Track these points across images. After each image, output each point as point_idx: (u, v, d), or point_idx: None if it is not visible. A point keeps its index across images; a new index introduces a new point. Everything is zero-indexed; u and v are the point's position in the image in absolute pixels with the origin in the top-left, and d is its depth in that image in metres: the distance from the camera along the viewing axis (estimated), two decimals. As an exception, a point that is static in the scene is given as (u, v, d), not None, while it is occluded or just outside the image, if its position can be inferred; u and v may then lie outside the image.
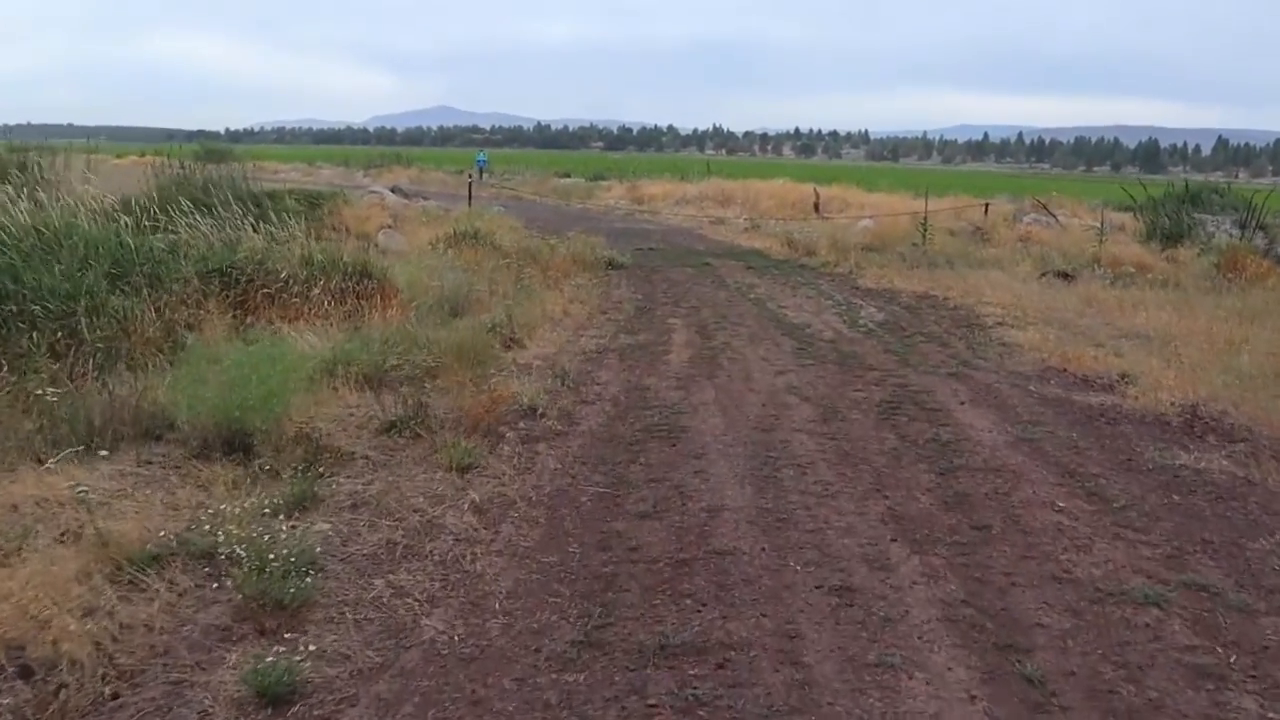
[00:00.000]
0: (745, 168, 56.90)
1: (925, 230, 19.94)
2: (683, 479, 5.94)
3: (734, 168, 54.66)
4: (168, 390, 6.13)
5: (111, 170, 25.18)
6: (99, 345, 7.22)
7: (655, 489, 5.76)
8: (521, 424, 7.07)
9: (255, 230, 12.88)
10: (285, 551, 4.32)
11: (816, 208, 29.56)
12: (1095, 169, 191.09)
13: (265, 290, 9.65)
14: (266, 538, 4.48)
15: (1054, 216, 25.83)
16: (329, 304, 9.98)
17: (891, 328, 12.50)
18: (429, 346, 8.66)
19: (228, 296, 9.35)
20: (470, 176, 25.71)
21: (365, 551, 4.67)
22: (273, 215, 23.35)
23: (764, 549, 4.83)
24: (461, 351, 8.50)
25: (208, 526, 4.64)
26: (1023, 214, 27.10)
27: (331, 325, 9.63)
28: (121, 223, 9.87)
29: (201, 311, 8.87)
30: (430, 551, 4.70)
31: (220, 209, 23.31)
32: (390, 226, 22.59)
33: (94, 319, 7.44)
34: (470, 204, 25.54)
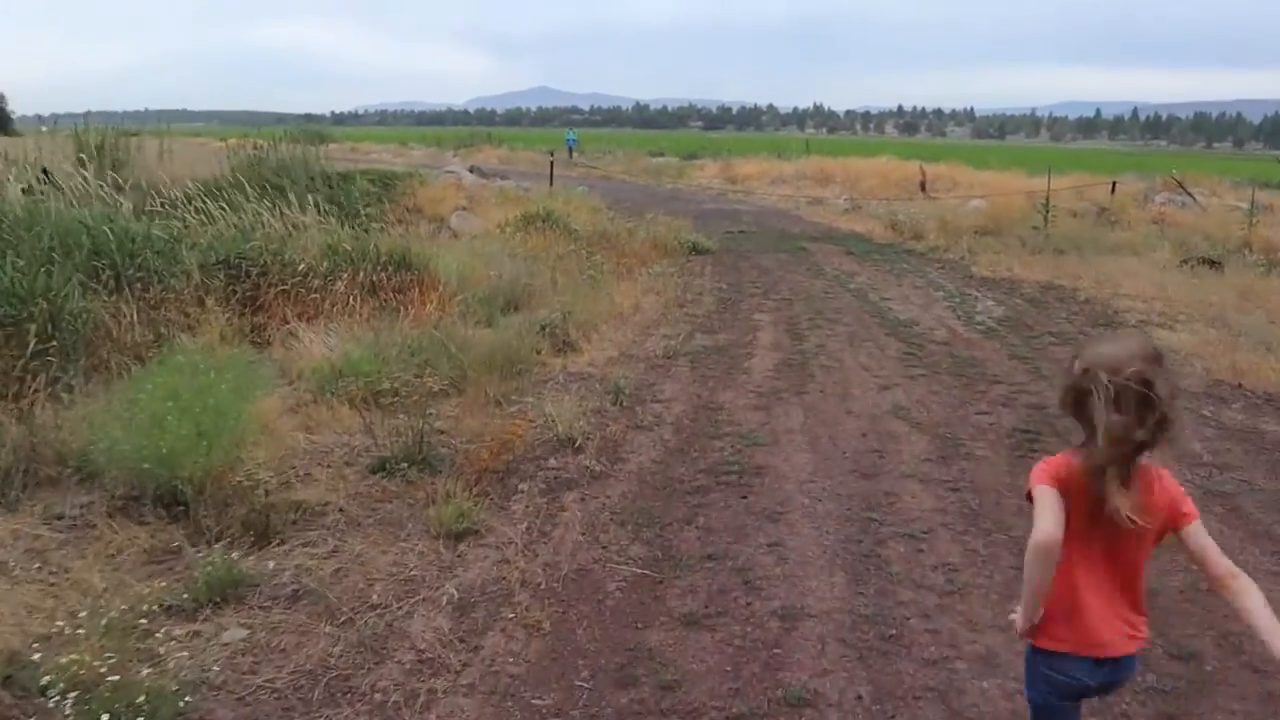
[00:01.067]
0: (846, 146, 54.49)
1: (1047, 212, 17.83)
2: (751, 556, 4.37)
3: (834, 146, 52.33)
4: (86, 422, 4.80)
5: (195, 152, 24.64)
6: (52, 357, 5.97)
7: (712, 573, 4.20)
8: (551, 461, 5.58)
9: (307, 212, 11.75)
10: (147, 694, 2.91)
11: (923, 187, 27.43)
12: (1216, 145, 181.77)
13: (282, 286, 8.35)
14: (138, 660, 3.09)
15: (1191, 196, 23.27)
16: (357, 300, 8.65)
17: (1015, 326, 10.67)
18: (459, 352, 7.25)
19: (235, 292, 8.08)
20: (553, 156, 24.37)
21: (278, 684, 3.22)
22: (341, 198, 22.33)
23: (860, 698, 3.24)
24: (492, 360, 7.06)
25: (67, 633, 3.28)
26: (1154, 193, 24.56)
27: (357, 325, 8.31)
28: (124, 208, 8.68)
29: (201, 310, 7.62)
30: (370, 688, 3.24)
31: (289, 191, 22.45)
32: (465, 208, 21.45)
33: (54, 324, 6.21)
34: (552, 184, 24.20)
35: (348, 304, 8.56)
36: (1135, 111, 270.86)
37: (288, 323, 8.08)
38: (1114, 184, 21.98)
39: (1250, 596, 2.08)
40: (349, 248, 9.21)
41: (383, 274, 9.18)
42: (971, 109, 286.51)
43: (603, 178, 35.26)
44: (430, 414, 5.82)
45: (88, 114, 24.41)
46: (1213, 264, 14.86)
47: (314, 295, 8.42)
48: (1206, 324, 10.62)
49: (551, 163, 24.14)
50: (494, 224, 16.88)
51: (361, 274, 8.84)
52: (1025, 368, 8.58)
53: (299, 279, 8.43)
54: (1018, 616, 2.30)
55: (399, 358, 7.03)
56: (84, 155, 26.54)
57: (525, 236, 14.65)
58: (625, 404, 6.82)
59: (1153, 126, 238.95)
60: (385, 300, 9.04)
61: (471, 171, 24.10)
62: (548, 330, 8.73)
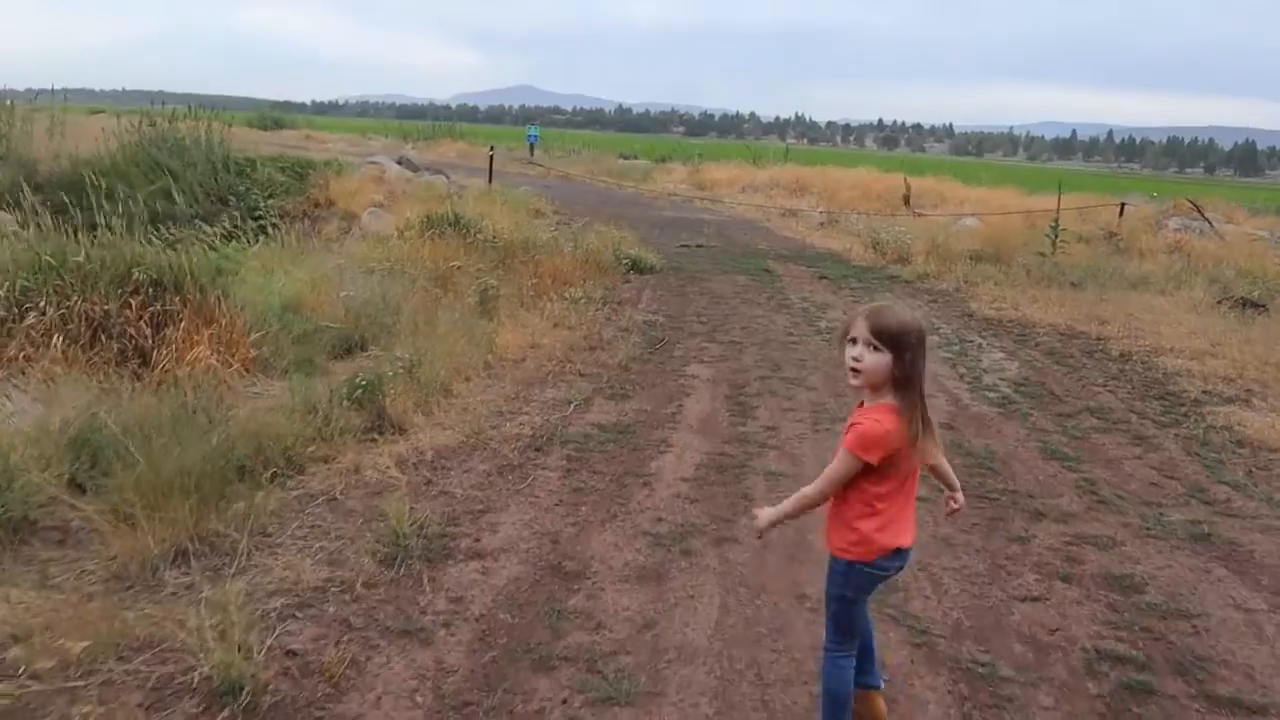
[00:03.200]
0: (825, 156, 51.73)
1: (1056, 236, 15.08)
2: None
3: (813, 155, 49.55)
4: None
5: (92, 129, 21.53)
6: None
7: None
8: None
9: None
10: None
11: (907, 201, 24.69)
12: (1188, 170, 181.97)
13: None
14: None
15: (1209, 222, 20.63)
16: (65, 343, 5.68)
17: (1038, 396, 7.87)
18: (140, 454, 4.28)
19: None
20: (492, 150, 21.48)
21: None
22: (240, 188, 19.25)
23: None
24: (205, 467, 4.10)
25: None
26: (1165, 218, 21.90)
27: (60, 383, 5.35)
28: None
29: None
30: None
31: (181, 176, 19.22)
32: (381, 205, 18.52)
33: None
34: (491, 181, 21.24)
35: (51, 347, 5.60)
36: (1110, 134, 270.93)
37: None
38: (1122, 206, 19.30)
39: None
40: (81, 260, 6.21)
41: (130, 303, 6.21)
42: (950, 125, 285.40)
43: (561, 178, 32.35)
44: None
45: (64, 91, 21.34)
46: (1254, 305, 12.19)
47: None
48: (1291, 399, 7.90)
49: (491, 158, 21.17)
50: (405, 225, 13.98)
51: (77, 303, 5.85)
52: (1073, 479, 5.74)
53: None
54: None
55: (34, 458, 4.08)
56: (-43, 125, 22.85)
57: (422, 244, 11.73)
58: (407, 568, 3.89)
59: (1127, 149, 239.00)
60: (132, 343, 6.10)
61: (400, 164, 21.09)
62: (364, 393, 5.79)
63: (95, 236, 6.97)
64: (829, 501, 2.81)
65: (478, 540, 4.22)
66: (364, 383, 5.86)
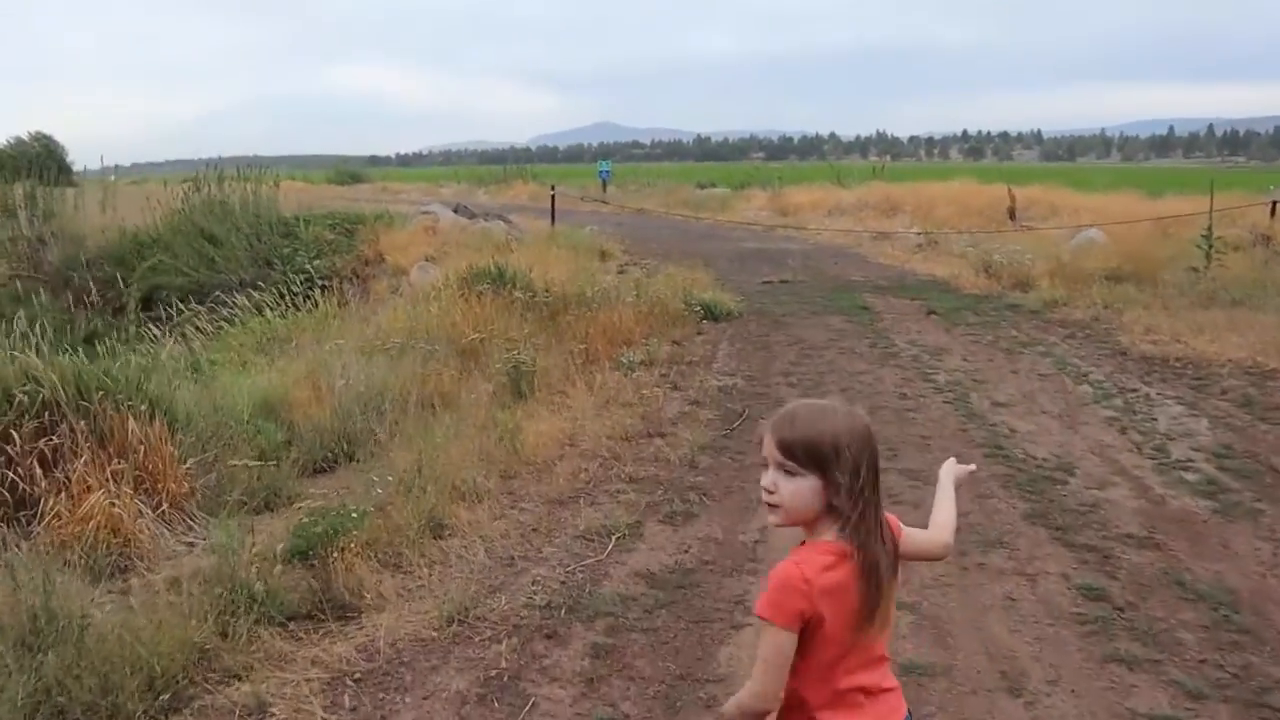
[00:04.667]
0: (914, 172, 49.11)
1: (1210, 247, 12.73)
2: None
3: (901, 172, 47.00)
4: None
5: (142, 199, 20.77)
6: None
7: None
8: None
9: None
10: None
11: (1012, 215, 22.34)
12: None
13: None
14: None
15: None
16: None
17: (1255, 474, 5.77)
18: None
19: None
20: (554, 190, 19.91)
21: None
22: (285, 250, 17.99)
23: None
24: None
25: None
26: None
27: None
28: None
29: None
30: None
31: (226, 241, 17.98)
32: (431, 259, 17.03)
33: None
34: (554, 223, 19.64)
35: None
36: (1210, 127, 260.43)
37: None
38: (1275, 205, 16.72)
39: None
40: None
41: (14, 433, 4.59)
42: (1039, 131, 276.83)
43: (637, 212, 30.75)
44: None
45: (164, 163, 20.84)
46: None
47: None
48: None
49: (553, 198, 19.58)
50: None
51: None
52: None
53: None
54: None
55: None
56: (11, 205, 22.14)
57: (458, 304, 10.08)
58: None
59: (1230, 142, 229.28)
60: (16, 488, 4.48)
61: (456, 212, 19.64)
62: (308, 551, 4.04)
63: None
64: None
65: None
66: (310, 534, 4.11)
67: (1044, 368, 8.82)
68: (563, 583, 4.20)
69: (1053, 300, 12.16)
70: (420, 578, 4.16)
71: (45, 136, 42.02)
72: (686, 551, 4.59)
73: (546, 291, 10.90)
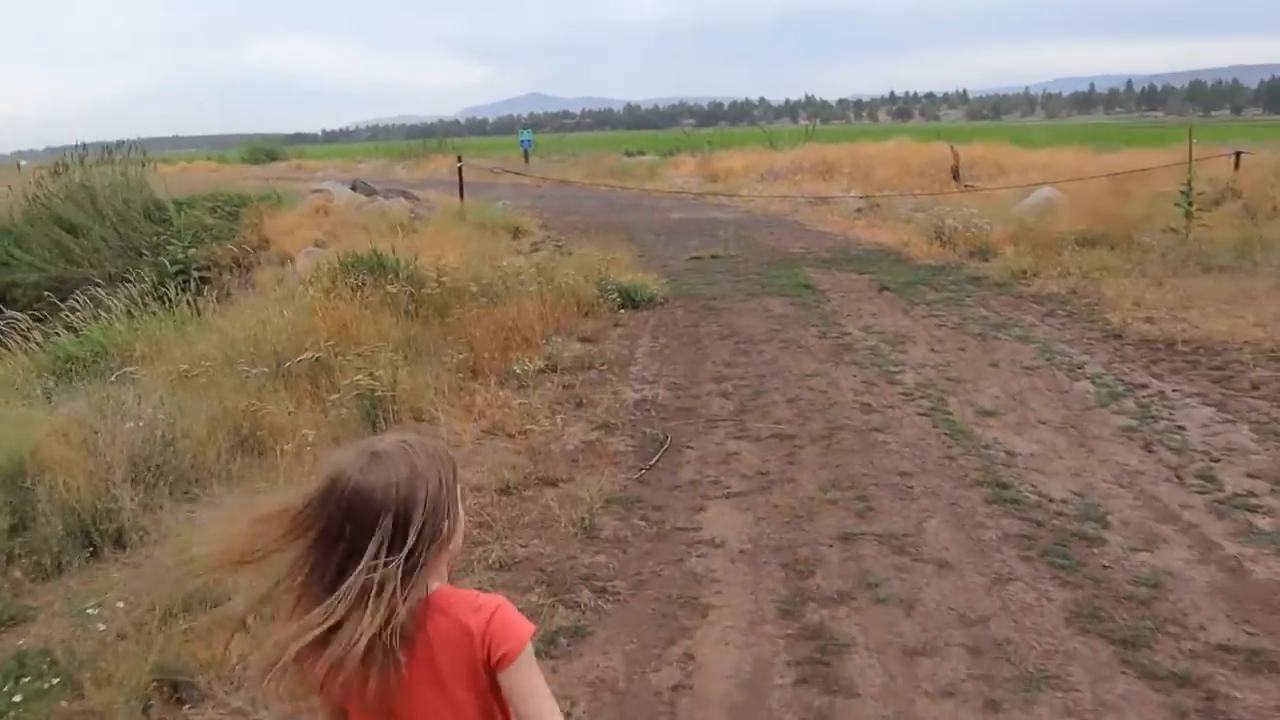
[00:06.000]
0: (845, 133, 47.58)
1: (1190, 205, 11.32)
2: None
3: (832, 134, 45.47)
4: None
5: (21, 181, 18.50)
6: None
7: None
8: None
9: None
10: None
11: (955, 174, 20.93)
12: (1214, 113, 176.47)
13: None
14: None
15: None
16: None
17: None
18: None
19: None
20: (460, 163, 18.02)
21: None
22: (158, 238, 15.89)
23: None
24: None
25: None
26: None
27: None
28: None
29: None
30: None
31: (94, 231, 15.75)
32: (320, 243, 15.10)
33: None
34: (462, 198, 17.74)
35: None
36: (1129, 83, 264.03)
37: None
38: (1238, 156, 15.46)
39: None
40: None
41: None
42: (964, 90, 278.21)
43: (560, 184, 28.90)
44: None
45: (82, 145, 18.33)
46: None
47: None
48: None
49: (460, 170, 17.66)
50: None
51: None
52: None
53: None
54: None
55: None
56: None
57: (324, 303, 8.24)
58: None
59: (1148, 97, 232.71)
60: None
61: (354, 189, 17.62)
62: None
63: None
64: None
65: None
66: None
67: (1027, 357, 7.29)
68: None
69: (1020, 270, 10.67)
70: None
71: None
72: (566, 716, 2.91)
73: (437, 282, 9.13)
